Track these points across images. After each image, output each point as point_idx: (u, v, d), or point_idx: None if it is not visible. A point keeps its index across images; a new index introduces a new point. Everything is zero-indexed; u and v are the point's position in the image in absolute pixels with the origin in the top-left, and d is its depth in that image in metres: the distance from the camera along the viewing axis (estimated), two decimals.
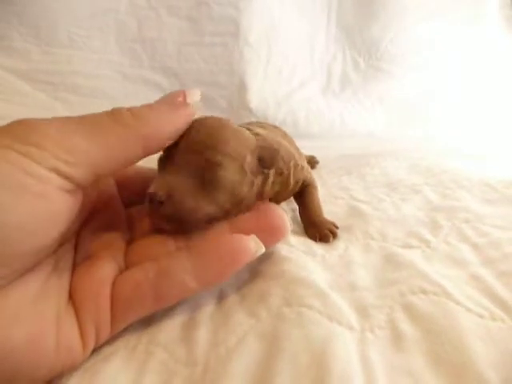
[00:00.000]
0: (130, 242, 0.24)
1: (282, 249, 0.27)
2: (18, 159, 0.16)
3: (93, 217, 0.23)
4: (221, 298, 0.23)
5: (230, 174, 0.23)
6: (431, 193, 0.39)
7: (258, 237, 0.21)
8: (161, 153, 0.25)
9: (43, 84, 0.64)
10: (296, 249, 0.28)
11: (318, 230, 0.31)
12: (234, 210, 0.23)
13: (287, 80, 0.71)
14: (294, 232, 0.32)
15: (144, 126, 0.20)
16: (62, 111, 0.63)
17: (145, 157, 0.20)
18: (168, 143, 0.21)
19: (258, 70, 0.68)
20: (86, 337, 0.18)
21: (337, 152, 0.45)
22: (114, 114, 0.19)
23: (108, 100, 0.67)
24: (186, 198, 0.21)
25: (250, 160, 0.24)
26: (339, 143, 0.46)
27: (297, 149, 0.36)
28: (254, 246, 0.21)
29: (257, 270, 0.26)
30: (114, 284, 0.20)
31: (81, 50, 0.68)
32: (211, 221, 0.23)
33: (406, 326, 0.19)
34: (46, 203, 0.16)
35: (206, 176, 0.22)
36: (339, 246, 0.29)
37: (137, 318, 0.20)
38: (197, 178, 0.22)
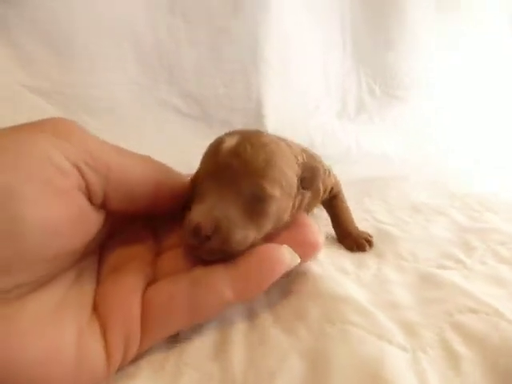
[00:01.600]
0: (158, 254, 0.23)
1: (312, 267, 0.26)
2: (49, 149, 0.16)
3: (118, 229, 0.23)
4: (252, 316, 0.22)
5: (279, 203, 0.21)
6: (458, 215, 0.38)
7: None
8: (193, 172, 0.23)
9: (60, 103, 0.65)
10: (327, 267, 0.27)
11: (354, 240, 0.31)
12: (274, 230, 0.22)
13: (303, 105, 0.72)
14: (322, 250, 0.31)
15: None
16: None
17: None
18: None
19: (275, 95, 0.69)
20: (112, 352, 0.17)
21: (354, 175, 0.45)
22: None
23: (124, 120, 0.67)
24: (233, 230, 0.19)
25: (296, 184, 0.23)
26: (356, 166, 0.46)
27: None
28: (288, 255, 0.20)
29: (289, 289, 0.25)
30: (144, 296, 0.19)
31: (100, 72, 0.69)
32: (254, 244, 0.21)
33: (459, 346, 0.18)
34: (67, 201, 0.16)
35: (255, 206, 0.20)
36: (371, 265, 0.28)
37: (169, 333, 0.19)
38: (244, 208, 0.20)
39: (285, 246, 0.20)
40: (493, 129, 0.75)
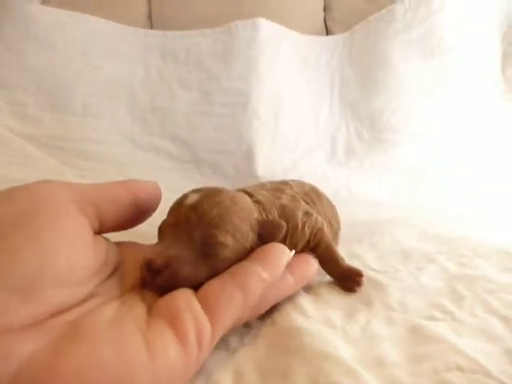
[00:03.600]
0: None
1: (298, 320, 0.26)
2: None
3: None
4: (238, 375, 0.21)
5: (230, 251, 0.24)
6: (447, 261, 0.38)
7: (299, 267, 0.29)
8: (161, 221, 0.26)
9: (54, 149, 0.66)
10: (314, 320, 0.27)
11: (351, 280, 0.32)
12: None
13: (293, 149, 0.73)
14: (310, 300, 0.31)
15: None
16: (71, 176, 0.64)
17: None
18: None
19: (265, 138, 0.70)
20: (185, 341, 0.18)
21: (344, 219, 0.44)
22: None
23: (117, 165, 0.68)
24: (183, 267, 0.22)
25: (250, 237, 0.26)
26: (346, 211, 0.46)
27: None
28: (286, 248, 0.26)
29: (274, 343, 0.24)
30: (196, 294, 0.21)
31: (93, 118, 0.70)
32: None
33: None
34: (70, 220, 0.20)
35: (206, 250, 0.23)
36: (360, 318, 0.28)
37: (233, 320, 0.21)
38: (196, 251, 0.23)
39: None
40: (484, 171, 0.76)
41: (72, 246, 0.19)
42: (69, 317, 0.18)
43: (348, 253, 0.44)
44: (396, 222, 0.56)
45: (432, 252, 0.41)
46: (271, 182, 0.37)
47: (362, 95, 0.76)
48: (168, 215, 0.26)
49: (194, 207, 0.24)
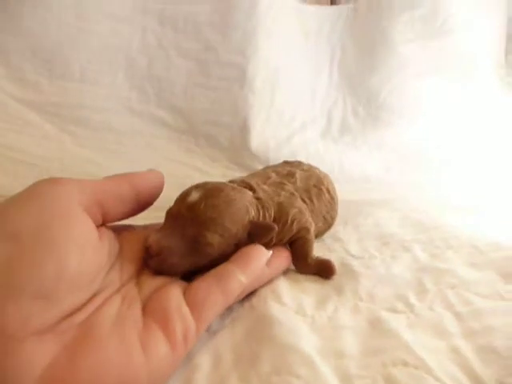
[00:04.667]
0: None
1: (273, 308, 0.29)
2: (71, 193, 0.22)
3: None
4: (217, 358, 0.24)
5: (217, 250, 0.28)
6: (420, 252, 0.41)
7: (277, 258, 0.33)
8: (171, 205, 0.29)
9: (52, 116, 0.67)
10: (287, 307, 0.29)
11: (322, 273, 0.35)
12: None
13: (288, 123, 0.74)
14: (287, 286, 0.33)
15: None
16: (70, 143, 0.65)
17: None
18: None
19: (261, 113, 0.71)
20: (174, 341, 0.21)
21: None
22: None
23: (114, 134, 0.69)
24: (170, 257, 0.26)
25: (240, 235, 0.29)
26: (337, 188, 0.48)
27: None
28: (264, 249, 0.30)
29: (250, 328, 0.27)
30: (185, 295, 0.24)
31: (90, 85, 0.70)
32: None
33: None
34: (79, 226, 0.21)
35: (195, 246, 0.27)
36: (329, 306, 0.30)
37: (214, 316, 0.25)
38: (187, 244, 0.27)
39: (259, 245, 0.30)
40: (479, 156, 0.77)
41: (82, 250, 0.20)
42: (78, 318, 0.20)
43: (332, 236, 0.47)
44: (382, 203, 0.58)
45: (409, 240, 0.44)
46: (278, 173, 0.40)
47: (360, 71, 0.76)
48: (174, 204, 0.29)
49: (192, 207, 0.27)
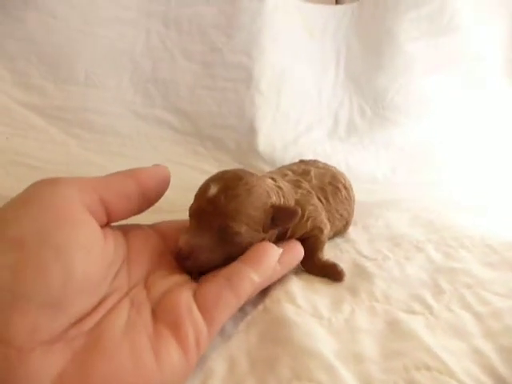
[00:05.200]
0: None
1: (288, 310, 0.28)
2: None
3: (160, 263, 0.27)
4: (231, 363, 0.24)
5: (245, 238, 0.28)
6: (434, 251, 0.40)
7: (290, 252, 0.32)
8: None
9: (57, 120, 0.66)
10: (303, 310, 0.29)
11: (329, 275, 0.34)
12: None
13: (295, 124, 0.73)
14: (300, 287, 0.33)
15: None
16: (75, 147, 0.65)
17: None
18: None
19: (267, 114, 0.71)
20: (187, 347, 0.21)
21: None
22: None
23: (119, 137, 0.69)
24: (203, 255, 0.27)
25: (263, 220, 0.29)
26: None
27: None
28: (275, 246, 0.29)
29: (265, 331, 0.27)
30: (195, 297, 0.23)
31: (96, 88, 0.70)
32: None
33: None
34: (84, 229, 0.21)
35: (224, 238, 0.27)
36: (345, 308, 0.30)
37: (227, 318, 0.24)
38: (215, 238, 0.27)
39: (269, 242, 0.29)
40: (487, 156, 0.76)
41: (87, 253, 0.19)
42: (87, 324, 0.19)
43: (343, 237, 0.46)
44: (391, 204, 0.58)
45: (421, 240, 0.43)
46: (294, 171, 0.40)
47: (367, 71, 0.76)
48: (194, 201, 0.29)
49: (213, 201, 0.27)
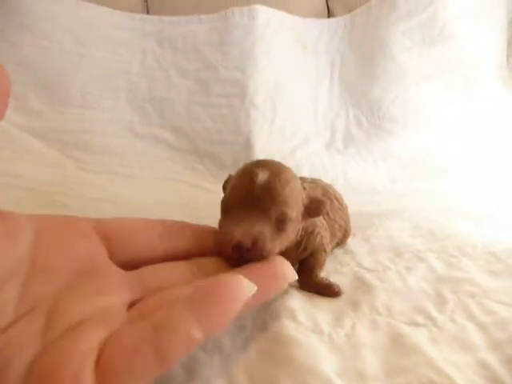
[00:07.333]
0: (134, 303, 0.22)
1: (289, 327, 0.28)
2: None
3: (77, 283, 0.21)
4: (231, 381, 0.23)
5: (295, 224, 0.28)
6: (435, 261, 0.39)
7: (261, 283, 0.22)
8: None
9: (55, 142, 0.67)
10: (304, 327, 0.28)
11: (325, 293, 0.33)
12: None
13: (291, 137, 0.74)
14: (300, 302, 0.32)
15: None
16: (73, 168, 0.65)
17: None
18: None
19: (263, 128, 0.71)
20: None
21: None
22: None
23: (117, 156, 0.69)
24: (266, 244, 0.25)
25: (302, 210, 0.29)
26: (344, 200, 0.47)
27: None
28: (245, 284, 0.21)
29: (265, 350, 0.26)
30: (103, 351, 0.17)
31: (92, 109, 0.71)
32: None
33: None
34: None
35: (280, 226, 0.26)
36: (346, 322, 0.29)
37: None
38: (272, 227, 0.26)
39: (239, 275, 0.21)
40: (484, 162, 0.75)
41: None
42: None
43: (343, 249, 0.45)
44: (391, 214, 0.57)
45: (422, 250, 0.43)
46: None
47: (361, 82, 0.76)
48: (233, 191, 0.28)
49: (266, 187, 0.26)
